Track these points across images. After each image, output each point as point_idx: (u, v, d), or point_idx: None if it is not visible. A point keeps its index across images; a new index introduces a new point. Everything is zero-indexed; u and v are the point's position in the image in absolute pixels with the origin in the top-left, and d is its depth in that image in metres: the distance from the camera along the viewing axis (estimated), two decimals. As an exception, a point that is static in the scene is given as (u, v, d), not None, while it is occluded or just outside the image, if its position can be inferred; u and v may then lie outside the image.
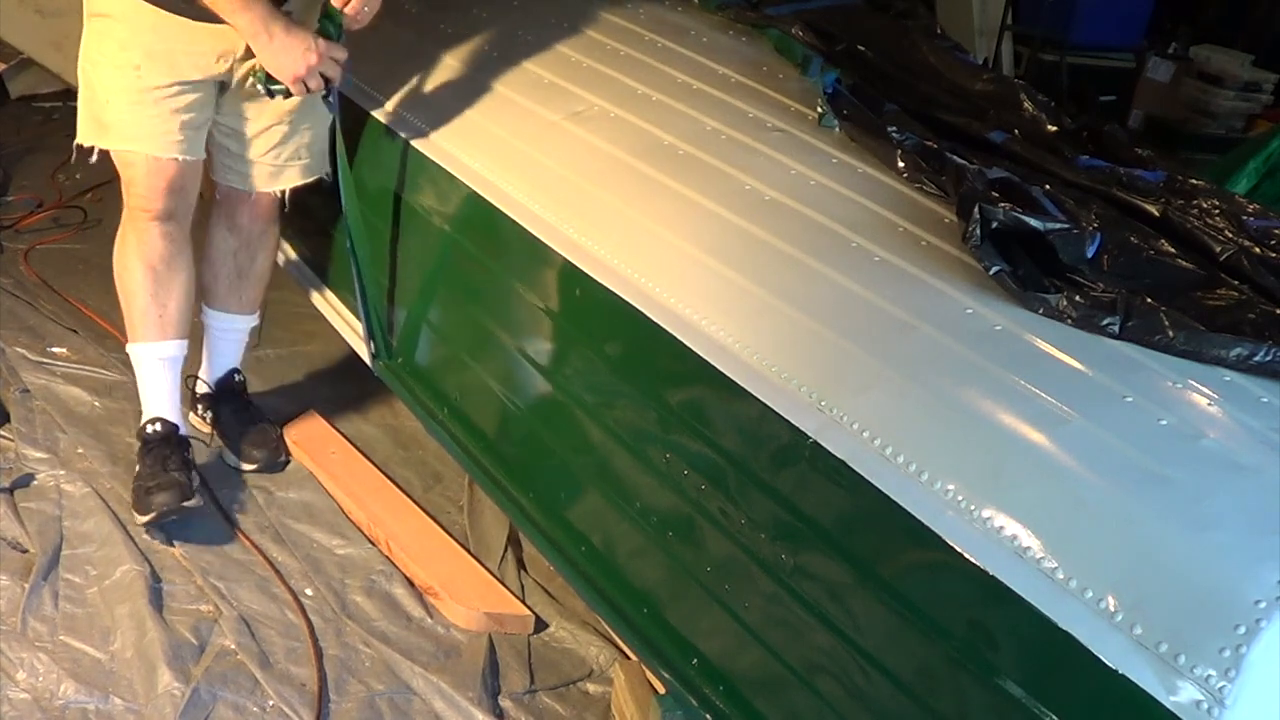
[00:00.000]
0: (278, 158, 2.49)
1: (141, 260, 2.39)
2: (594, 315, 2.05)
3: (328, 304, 2.84)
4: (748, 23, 2.69)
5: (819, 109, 2.22)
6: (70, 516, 2.40)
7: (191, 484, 2.41)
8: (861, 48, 2.54)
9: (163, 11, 2.20)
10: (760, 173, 2.05)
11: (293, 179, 2.53)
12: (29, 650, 2.07)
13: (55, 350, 2.92)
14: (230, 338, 2.71)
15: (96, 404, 2.75)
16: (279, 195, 2.56)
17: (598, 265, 2.02)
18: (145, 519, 2.37)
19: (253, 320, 2.72)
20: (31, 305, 3.09)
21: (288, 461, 2.69)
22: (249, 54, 2.25)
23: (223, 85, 2.35)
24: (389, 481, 2.67)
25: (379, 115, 2.57)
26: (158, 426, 2.47)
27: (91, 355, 2.92)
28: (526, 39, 2.64)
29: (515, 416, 2.31)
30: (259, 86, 2.23)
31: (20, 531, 2.33)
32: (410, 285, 2.55)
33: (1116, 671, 1.30)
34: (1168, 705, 1.26)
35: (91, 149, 2.32)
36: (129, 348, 2.49)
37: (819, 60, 2.41)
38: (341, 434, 2.79)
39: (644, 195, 2.07)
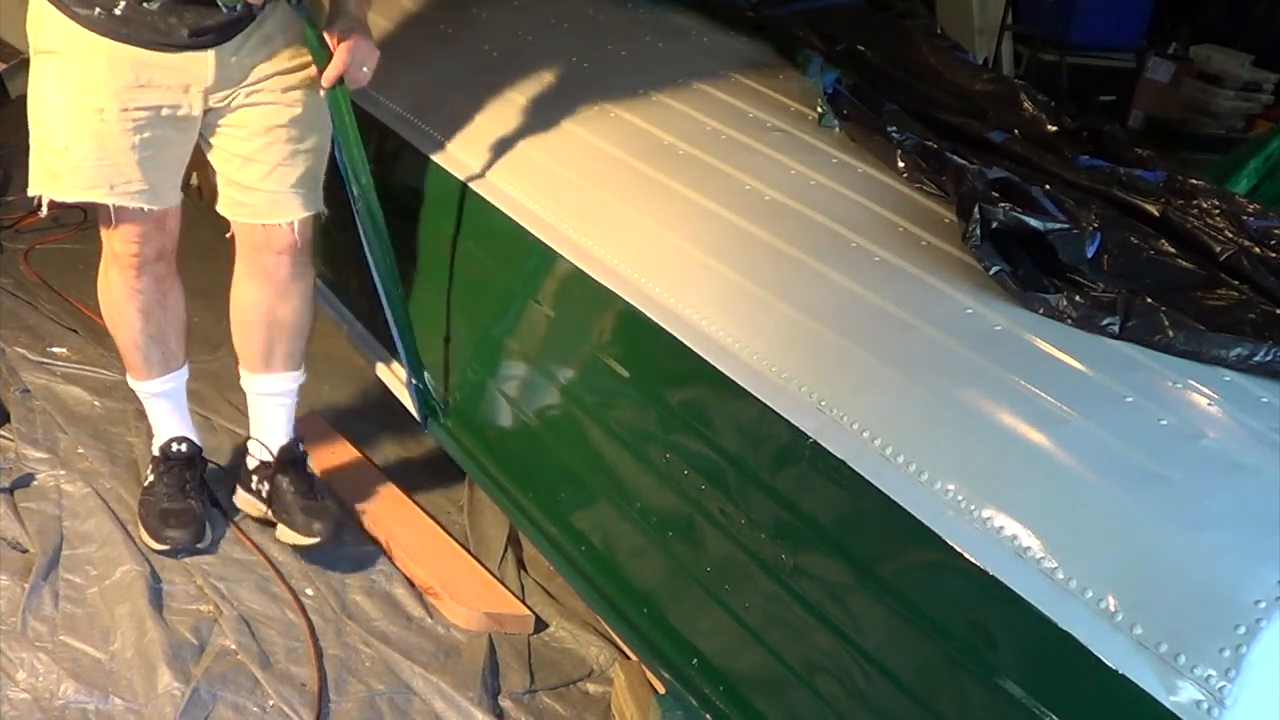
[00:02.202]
0: (280, 184, 2.21)
1: (133, 306, 2.27)
2: (592, 314, 2.05)
3: (387, 371, 2.63)
4: (748, 23, 2.69)
5: (819, 109, 2.23)
6: (70, 516, 2.39)
7: (207, 513, 2.41)
8: (861, 48, 2.54)
9: (118, 44, 1.98)
10: (760, 173, 2.05)
11: (296, 211, 2.24)
12: (29, 650, 2.07)
13: (55, 350, 2.92)
14: (280, 401, 2.42)
15: (96, 404, 2.75)
16: (295, 236, 2.25)
17: (597, 265, 2.02)
18: (155, 548, 2.35)
19: (300, 376, 2.43)
20: (31, 305, 3.09)
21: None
22: (219, 83, 2.06)
23: (205, 113, 2.11)
24: (389, 482, 2.67)
25: (378, 116, 2.57)
26: (183, 447, 2.43)
27: (91, 355, 2.91)
28: (526, 39, 2.64)
29: (529, 425, 2.31)
30: (219, 4, 1.95)
31: (20, 531, 2.33)
32: (429, 305, 2.43)
33: (1116, 671, 1.30)
34: (1168, 705, 1.26)
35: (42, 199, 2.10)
36: (131, 383, 2.41)
37: (819, 60, 2.41)
38: (342, 434, 2.79)
39: (644, 195, 2.07)
